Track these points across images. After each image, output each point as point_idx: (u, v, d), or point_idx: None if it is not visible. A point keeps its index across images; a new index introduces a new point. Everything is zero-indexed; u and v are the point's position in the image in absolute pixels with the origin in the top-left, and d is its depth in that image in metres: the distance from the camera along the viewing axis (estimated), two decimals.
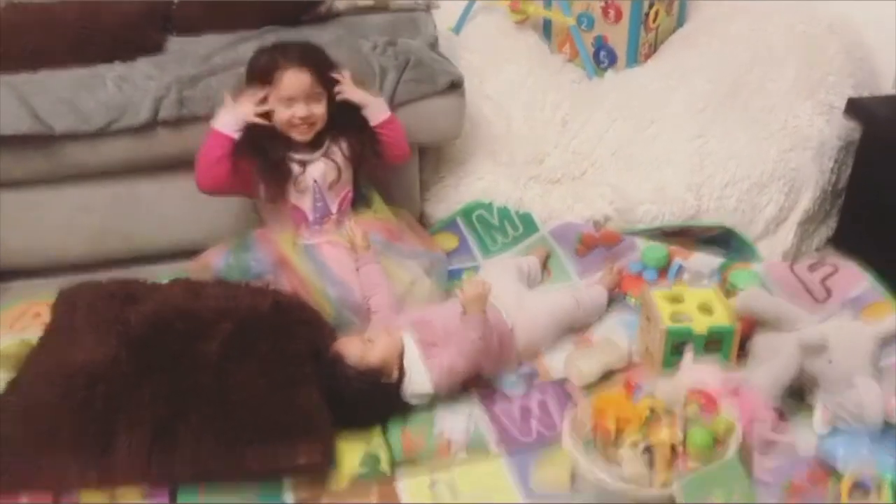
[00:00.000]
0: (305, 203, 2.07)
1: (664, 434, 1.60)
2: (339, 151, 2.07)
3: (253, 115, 1.97)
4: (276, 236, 2.06)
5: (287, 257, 2.00)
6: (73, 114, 2.05)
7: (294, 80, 1.95)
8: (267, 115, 1.99)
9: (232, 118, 1.98)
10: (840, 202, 2.38)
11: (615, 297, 2.11)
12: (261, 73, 1.98)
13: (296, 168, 2.04)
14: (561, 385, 1.91)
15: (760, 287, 1.96)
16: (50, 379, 1.71)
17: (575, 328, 2.03)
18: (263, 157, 2.00)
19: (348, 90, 2.03)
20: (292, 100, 1.97)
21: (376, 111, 2.06)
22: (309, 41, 2.08)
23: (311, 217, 2.08)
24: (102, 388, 1.67)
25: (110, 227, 2.22)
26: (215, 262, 2.05)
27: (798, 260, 2.24)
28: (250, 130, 1.98)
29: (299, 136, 2.01)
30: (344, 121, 2.04)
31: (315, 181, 2.05)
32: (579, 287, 2.15)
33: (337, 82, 2.02)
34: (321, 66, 2.00)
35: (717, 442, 1.60)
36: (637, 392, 1.70)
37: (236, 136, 1.98)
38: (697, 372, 1.79)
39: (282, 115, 1.98)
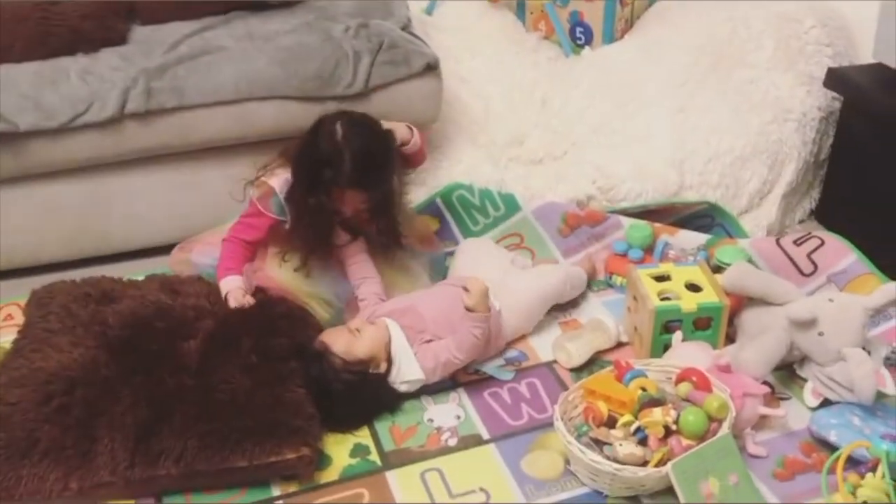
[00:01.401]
0: None
1: (657, 414, 1.58)
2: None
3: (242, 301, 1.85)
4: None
5: (272, 276, 1.93)
6: (37, 110, 1.99)
7: (350, 197, 1.83)
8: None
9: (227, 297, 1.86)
10: (822, 174, 2.37)
11: (592, 282, 2.11)
12: (317, 179, 1.80)
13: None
14: (550, 368, 1.89)
15: (747, 262, 1.94)
16: (25, 384, 1.66)
17: (559, 304, 2.01)
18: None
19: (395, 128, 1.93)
20: (340, 205, 1.85)
21: (414, 142, 1.98)
22: (376, 140, 1.84)
23: None
24: (81, 393, 1.63)
25: (82, 226, 2.17)
26: (198, 260, 1.99)
27: (783, 234, 2.22)
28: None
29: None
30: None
31: None
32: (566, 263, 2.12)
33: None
34: (381, 190, 1.85)
35: (711, 420, 1.59)
36: (627, 373, 1.68)
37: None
38: (687, 350, 1.78)
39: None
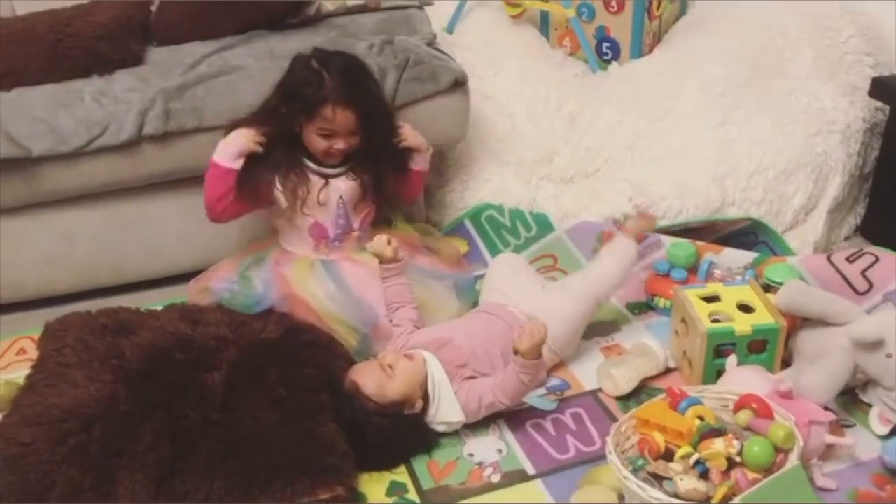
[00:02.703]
0: (327, 218, 1.94)
1: (718, 445, 1.47)
2: (364, 173, 1.93)
3: (252, 145, 1.85)
4: (293, 263, 1.92)
5: (297, 293, 1.86)
6: (51, 134, 1.91)
7: (340, 118, 1.82)
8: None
9: (231, 149, 1.85)
10: (867, 187, 2.28)
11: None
12: (302, 101, 1.83)
13: (316, 179, 1.91)
14: (594, 397, 1.78)
15: (799, 280, 1.83)
16: (39, 423, 1.56)
17: (600, 329, 1.93)
18: (280, 170, 1.88)
19: (410, 137, 1.95)
20: (333, 133, 1.84)
21: (424, 159, 2.01)
22: (354, 60, 1.92)
23: (332, 233, 1.95)
24: (99, 431, 1.53)
25: (97, 255, 2.09)
26: (217, 286, 1.90)
27: (831, 251, 2.12)
28: (264, 146, 1.86)
29: (329, 160, 1.90)
30: (378, 153, 1.92)
31: (341, 197, 1.92)
32: (597, 276, 1.93)
33: (375, 116, 1.88)
34: (368, 103, 1.86)
35: (777, 450, 1.47)
36: (683, 401, 1.56)
37: (237, 167, 1.85)
38: (743, 375, 1.67)
39: (317, 143, 1.86)
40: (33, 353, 1.84)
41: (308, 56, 1.86)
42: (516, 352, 1.58)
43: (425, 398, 1.65)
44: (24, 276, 2.05)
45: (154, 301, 2.01)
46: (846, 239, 2.26)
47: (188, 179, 2.06)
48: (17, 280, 2.04)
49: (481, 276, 2.08)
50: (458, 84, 2.10)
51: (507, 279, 1.93)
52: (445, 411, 1.65)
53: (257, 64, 2.08)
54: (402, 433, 1.62)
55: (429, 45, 2.19)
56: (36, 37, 2.08)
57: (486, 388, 1.64)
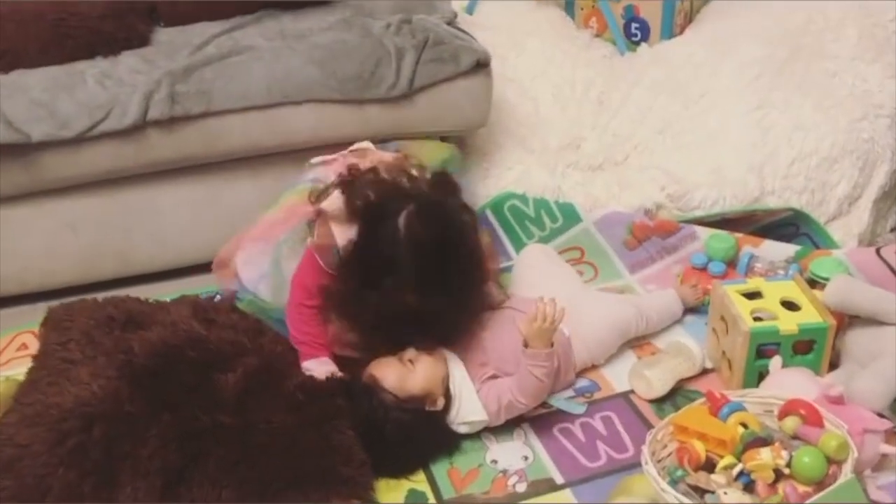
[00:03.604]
0: None
1: (765, 456, 1.35)
2: None
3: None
4: None
5: None
6: (51, 118, 1.82)
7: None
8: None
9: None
10: None
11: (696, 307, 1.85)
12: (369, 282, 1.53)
13: None
14: (627, 399, 1.67)
15: (848, 276, 1.71)
16: (39, 423, 1.47)
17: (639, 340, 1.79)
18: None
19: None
20: None
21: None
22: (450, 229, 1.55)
23: None
24: (100, 431, 1.44)
25: (101, 246, 2.00)
26: (244, 272, 1.70)
27: (879, 243, 2.00)
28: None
29: None
30: None
31: None
32: (639, 291, 1.89)
33: None
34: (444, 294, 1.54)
35: (829, 462, 1.36)
36: (724, 406, 1.45)
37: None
38: (789, 378, 1.56)
39: None
40: (35, 349, 1.74)
41: (398, 211, 1.53)
42: (525, 344, 1.48)
43: (447, 397, 1.55)
44: (25, 267, 1.96)
45: (161, 294, 1.91)
46: (892, 231, 2.13)
47: (196, 166, 1.97)
48: (18, 272, 1.96)
49: (504, 269, 1.97)
50: (481, 65, 1.99)
51: (540, 271, 1.83)
52: (467, 411, 1.55)
53: (268, 44, 1.98)
54: (422, 431, 1.52)
55: (449, 24, 2.09)
56: (36, 15, 1.98)
57: (504, 388, 1.55)
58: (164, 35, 2.09)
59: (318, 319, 1.61)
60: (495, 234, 2.13)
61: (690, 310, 1.86)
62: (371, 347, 1.59)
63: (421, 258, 1.48)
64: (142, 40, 2.04)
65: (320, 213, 1.60)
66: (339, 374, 1.55)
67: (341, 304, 1.56)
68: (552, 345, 1.51)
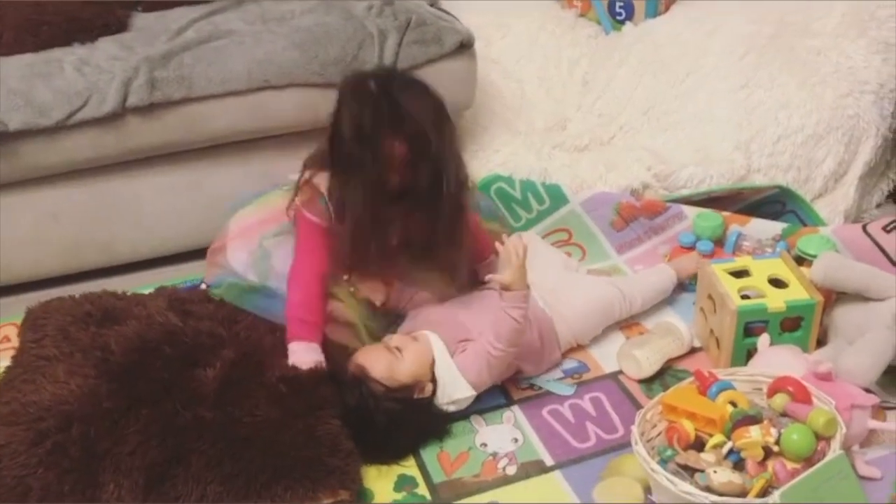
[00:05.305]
0: None
1: (754, 434, 1.35)
2: None
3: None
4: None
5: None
6: (29, 106, 1.78)
7: (392, 156, 1.51)
8: None
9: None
10: None
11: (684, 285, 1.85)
12: (353, 145, 1.52)
13: None
14: (615, 380, 1.67)
15: (835, 252, 1.71)
16: (16, 422, 1.43)
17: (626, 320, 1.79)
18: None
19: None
20: None
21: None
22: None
23: None
24: (78, 430, 1.40)
25: (84, 235, 1.96)
26: (235, 262, 1.70)
27: (864, 219, 2.00)
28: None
29: None
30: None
31: None
32: (626, 272, 1.89)
33: None
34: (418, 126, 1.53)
35: (817, 438, 1.36)
36: (713, 385, 1.45)
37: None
38: (777, 356, 1.56)
39: None
40: (17, 342, 1.72)
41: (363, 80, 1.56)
42: (504, 288, 1.49)
43: (434, 382, 1.54)
44: (7, 258, 1.92)
45: (146, 283, 1.89)
46: (878, 206, 2.14)
47: (178, 153, 1.94)
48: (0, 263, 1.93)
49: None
50: (465, 46, 1.97)
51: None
52: (452, 390, 1.54)
53: (249, 28, 1.96)
54: (412, 418, 1.51)
55: (431, 5, 2.07)
56: (12, 2, 1.95)
57: (479, 345, 1.54)
58: (143, 20, 2.05)
59: (321, 289, 1.60)
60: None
61: (681, 287, 1.86)
62: (365, 259, 1.58)
63: (398, 99, 1.49)
64: (120, 26, 2.01)
65: (304, 168, 1.62)
66: (324, 364, 1.54)
67: (343, 170, 1.54)
68: (528, 287, 1.51)
